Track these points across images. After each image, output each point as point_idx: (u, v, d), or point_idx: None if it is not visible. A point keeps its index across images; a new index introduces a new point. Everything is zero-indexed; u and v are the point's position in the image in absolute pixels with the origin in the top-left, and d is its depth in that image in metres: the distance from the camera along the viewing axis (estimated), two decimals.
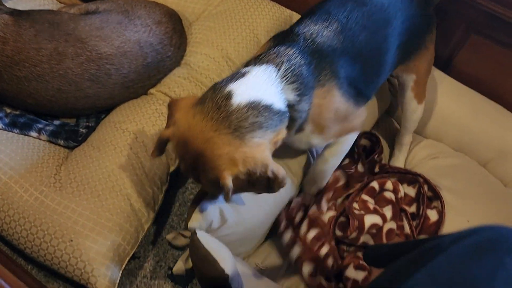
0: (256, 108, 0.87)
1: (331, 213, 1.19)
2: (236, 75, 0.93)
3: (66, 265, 1.11)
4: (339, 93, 1.00)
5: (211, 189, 0.95)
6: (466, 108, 1.37)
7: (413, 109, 1.30)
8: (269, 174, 0.86)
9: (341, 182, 1.24)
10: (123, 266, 1.14)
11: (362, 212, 1.19)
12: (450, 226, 1.21)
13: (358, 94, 1.06)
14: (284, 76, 0.93)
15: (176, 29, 1.45)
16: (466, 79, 1.45)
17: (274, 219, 1.20)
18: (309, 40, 1.00)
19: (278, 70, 0.93)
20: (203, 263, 0.92)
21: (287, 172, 1.17)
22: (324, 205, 1.19)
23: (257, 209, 1.12)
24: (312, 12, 1.07)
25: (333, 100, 1.00)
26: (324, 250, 1.11)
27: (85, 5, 1.42)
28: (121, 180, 1.18)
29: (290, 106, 0.93)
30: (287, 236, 1.15)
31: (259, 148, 0.86)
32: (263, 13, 1.57)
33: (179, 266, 1.03)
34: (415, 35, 1.17)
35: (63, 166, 1.22)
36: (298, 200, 1.20)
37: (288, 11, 1.62)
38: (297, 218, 1.18)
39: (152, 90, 1.40)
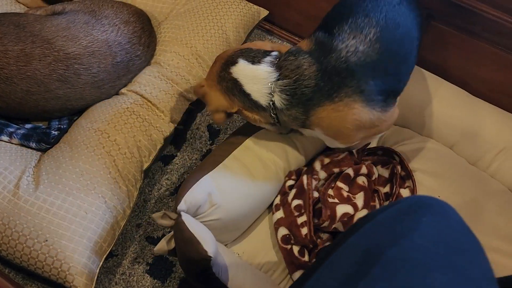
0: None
1: (315, 194, 1.22)
2: (257, 58, 1.06)
3: (42, 265, 1.11)
4: (360, 106, 0.99)
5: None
6: (428, 92, 1.42)
7: None
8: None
9: (340, 156, 1.26)
10: (101, 263, 1.15)
11: (336, 200, 1.22)
12: None
13: (389, 97, 1.04)
14: (280, 87, 1.01)
15: (144, 29, 1.46)
16: (430, 66, 1.50)
17: (258, 215, 1.22)
18: (342, 59, 0.98)
19: (279, 79, 1.02)
20: (186, 244, 0.94)
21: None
22: (318, 171, 1.23)
23: (244, 200, 1.14)
24: (351, 12, 1.03)
25: (351, 112, 0.99)
26: (302, 219, 1.14)
27: (51, 6, 1.42)
28: (95, 178, 1.19)
29: (274, 108, 1.04)
30: (277, 199, 1.20)
31: None
32: (231, 10, 1.60)
33: (161, 246, 1.04)
34: None
35: (35, 168, 1.22)
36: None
37: (256, 6, 1.65)
38: (288, 184, 1.22)
39: (123, 90, 1.41)
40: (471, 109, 1.38)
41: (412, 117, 1.43)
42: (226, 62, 1.08)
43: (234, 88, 1.06)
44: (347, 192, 1.25)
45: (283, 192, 1.20)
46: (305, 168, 1.23)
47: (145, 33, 1.45)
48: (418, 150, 1.39)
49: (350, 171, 1.27)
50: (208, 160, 1.12)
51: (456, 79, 1.47)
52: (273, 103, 1.03)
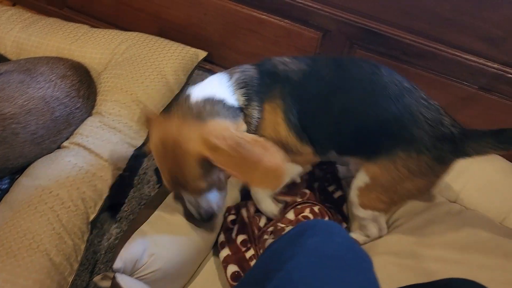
0: (210, 101, 1.04)
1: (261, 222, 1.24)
2: (195, 84, 1.11)
3: None
4: (282, 114, 1.08)
5: (200, 183, 1.01)
6: None
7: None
8: (244, 139, 0.94)
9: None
10: None
11: (272, 237, 1.23)
12: None
13: (303, 131, 1.08)
14: (235, 82, 1.09)
15: (83, 81, 1.48)
16: None
17: (202, 258, 1.22)
18: (273, 65, 1.11)
19: (230, 77, 1.10)
20: None
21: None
22: (252, 208, 1.24)
23: (182, 245, 1.14)
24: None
25: (277, 118, 1.08)
26: (250, 253, 1.16)
27: None
28: (38, 236, 1.17)
29: (243, 108, 1.08)
30: (221, 237, 1.20)
31: (223, 125, 1.00)
32: (169, 54, 1.65)
33: None
34: None
35: None
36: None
37: (193, 49, 1.71)
38: (230, 219, 1.23)
39: (65, 143, 1.42)
40: None
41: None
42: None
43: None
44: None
45: (226, 228, 1.21)
46: (242, 202, 1.26)
47: (83, 85, 1.48)
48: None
49: (290, 214, 1.27)
50: (141, 213, 1.13)
51: None
52: None
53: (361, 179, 1.09)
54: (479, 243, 1.20)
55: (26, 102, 1.31)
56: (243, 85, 1.10)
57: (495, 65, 1.33)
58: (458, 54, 1.35)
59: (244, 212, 1.19)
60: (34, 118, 1.32)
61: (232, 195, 1.27)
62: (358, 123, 1.04)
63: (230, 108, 1.06)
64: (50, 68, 1.42)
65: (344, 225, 1.29)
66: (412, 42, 1.39)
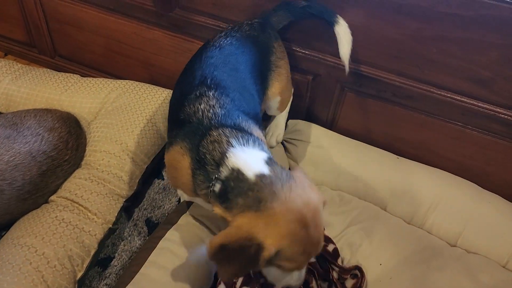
0: None
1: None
2: None
3: None
4: None
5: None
6: (354, 158, 1.48)
7: (281, 116, 1.54)
8: None
9: None
10: None
11: None
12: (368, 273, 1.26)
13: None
14: None
15: (71, 132, 1.47)
16: (351, 132, 1.58)
17: None
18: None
19: None
20: None
21: None
22: None
23: None
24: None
25: None
26: None
27: None
28: None
29: None
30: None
31: None
32: (159, 101, 1.64)
33: None
34: (261, 65, 1.27)
35: None
36: None
37: None
38: None
39: (53, 197, 1.38)
40: (395, 168, 1.44)
41: (343, 183, 1.47)
42: None
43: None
44: None
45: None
46: None
47: (72, 136, 1.46)
48: (352, 211, 1.41)
49: None
50: (124, 274, 1.09)
51: (381, 143, 1.54)
52: None
53: (275, 103, 1.39)
54: None
55: (12, 158, 1.28)
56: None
57: (486, 105, 1.32)
58: (448, 95, 1.35)
59: None
60: (21, 174, 1.29)
61: None
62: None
63: None
64: (37, 121, 1.40)
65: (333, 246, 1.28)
66: (402, 84, 1.38)
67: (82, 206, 1.35)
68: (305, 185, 0.91)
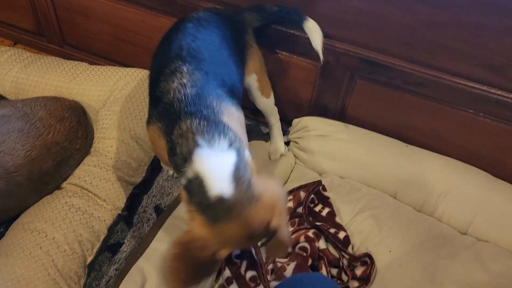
0: None
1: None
2: None
3: None
4: None
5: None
6: (363, 146, 1.46)
7: (265, 104, 1.48)
8: None
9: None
10: None
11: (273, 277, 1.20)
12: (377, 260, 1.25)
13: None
14: None
15: (80, 121, 1.47)
16: (360, 121, 1.56)
17: None
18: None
19: None
20: None
21: None
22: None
23: None
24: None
25: None
26: None
27: None
28: (32, 283, 1.13)
29: None
30: (226, 272, 1.16)
31: None
32: None
33: None
34: (236, 40, 1.27)
35: None
36: None
37: None
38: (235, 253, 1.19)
39: (63, 184, 1.39)
40: (403, 156, 1.43)
41: (352, 171, 1.47)
42: None
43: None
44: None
45: (231, 263, 1.17)
46: None
47: (81, 126, 1.46)
48: (361, 198, 1.40)
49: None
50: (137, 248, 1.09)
51: (390, 131, 1.53)
52: None
53: (253, 81, 1.37)
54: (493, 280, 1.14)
55: (29, 152, 1.28)
56: None
57: (499, 92, 1.30)
58: (461, 81, 1.33)
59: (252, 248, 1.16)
60: (37, 168, 1.29)
61: None
62: None
63: None
64: (48, 111, 1.40)
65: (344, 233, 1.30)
66: (413, 71, 1.36)
67: (91, 192, 1.35)
68: (268, 206, 0.87)
